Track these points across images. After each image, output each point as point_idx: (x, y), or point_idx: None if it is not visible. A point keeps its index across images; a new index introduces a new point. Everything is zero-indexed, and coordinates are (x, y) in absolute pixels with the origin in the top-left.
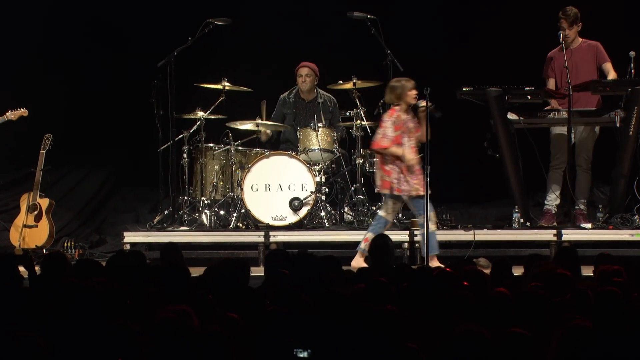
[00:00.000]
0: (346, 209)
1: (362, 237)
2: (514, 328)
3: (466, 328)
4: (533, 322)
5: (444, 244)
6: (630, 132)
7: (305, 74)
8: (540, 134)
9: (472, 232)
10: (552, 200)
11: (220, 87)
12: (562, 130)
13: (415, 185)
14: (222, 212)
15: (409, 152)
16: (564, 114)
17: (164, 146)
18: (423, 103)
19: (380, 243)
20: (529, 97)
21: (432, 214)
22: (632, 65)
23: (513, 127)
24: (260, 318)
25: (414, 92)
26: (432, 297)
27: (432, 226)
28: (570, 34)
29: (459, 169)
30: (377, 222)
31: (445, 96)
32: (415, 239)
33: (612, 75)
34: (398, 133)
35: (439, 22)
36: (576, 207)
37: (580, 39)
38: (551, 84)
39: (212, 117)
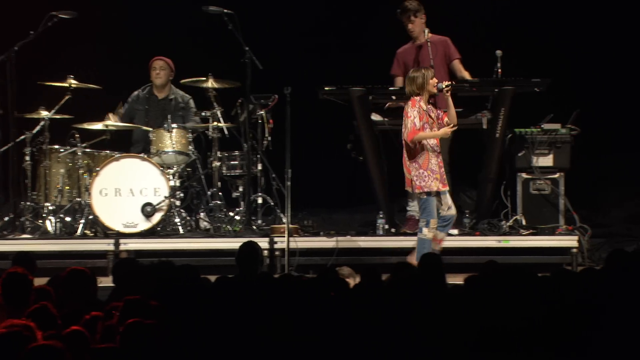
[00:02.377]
0: (202, 215)
1: (225, 244)
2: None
3: None
4: None
5: (304, 252)
6: (497, 134)
7: (160, 67)
8: None
9: (335, 238)
10: (415, 206)
11: (66, 85)
12: None
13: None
14: (68, 219)
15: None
16: None
17: (3, 148)
18: (446, 82)
19: (248, 250)
20: (393, 97)
21: (433, 221)
22: (498, 64)
23: (377, 129)
24: (111, 331)
25: (435, 80)
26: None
27: (429, 234)
28: (414, 27)
29: (321, 172)
30: (443, 220)
31: (307, 96)
32: (275, 246)
33: (465, 74)
34: (422, 124)
35: (301, 19)
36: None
37: (430, 34)
38: (399, 82)
39: (58, 117)
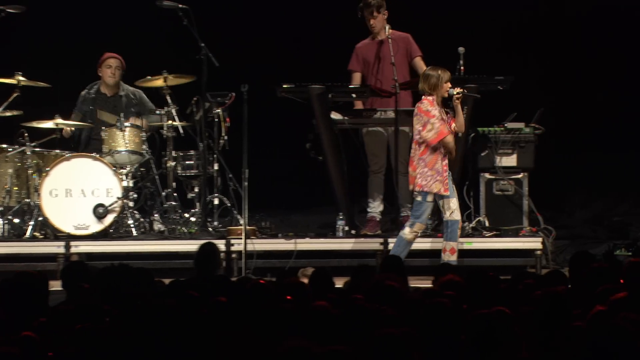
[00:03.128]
0: (156, 217)
1: (180, 247)
2: (335, 344)
3: (292, 344)
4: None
5: (262, 254)
6: (460, 134)
7: (115, 66)
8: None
9: (293, 241)
10: (376, 207)
11: (14, 81)
12: (378, 131)
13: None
14: (16, 221)
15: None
16: (391, 114)
17: None
18: (458, 89)
19: (206, 251)
20: (353, 95)
21: (419, 225)
22: (461, 62)
23: (337, 128)
24: (63, 337)
25: (448, 85)
26: (250, 311)
27: (410, 235)
28: (376, 23)
29: (279, 172)
30: (447, 227)
31: (264, 94)
32: (232, 248)
33: None
34: None
35: (258, 14)
36: (402, 214)
37: (390, 30)
38: (356, 78)
39: (6, 114)
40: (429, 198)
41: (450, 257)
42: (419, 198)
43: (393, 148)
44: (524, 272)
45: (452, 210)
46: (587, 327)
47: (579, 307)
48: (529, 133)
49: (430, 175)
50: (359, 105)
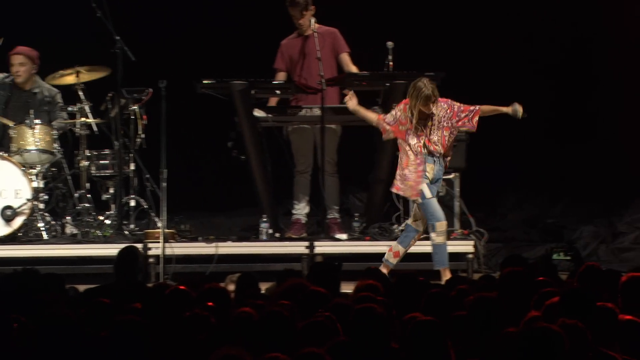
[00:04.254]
0: (69, 220)
1: (94, 251)
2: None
3: (224, 353)
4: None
5: (181, 259)
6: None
7: (19, 63)
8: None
9: (214, 244)
10: (301, 208)
11: None
12: (303, 130)
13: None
14: None
15: None
16: (317, 111)
17: None
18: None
19: (126, 256)
20: (277, 91)
21: (438, 224)
22: (390, 57)
23: (260, 126)
24: None
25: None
26: (167, 318)
27: (438, 238)
28: (304, 21)
29: (199, 172)
30: (405, 231)
31: (183, 90)
32: (150, 252)
33: (351, 68)
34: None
35: (178, 7)
36: (329, 216)
37: (316, 25)
38: (280, 77)
39: None
40: (427, 195)
41: (390, 258)
42: (419, 201)
43: (319, 147)
44: (456, 276)
45: (421, 218)
46: (520, 333)
47: (511, 312)
48: (461, 131)
49: (399, 177)
50: (272, 102)
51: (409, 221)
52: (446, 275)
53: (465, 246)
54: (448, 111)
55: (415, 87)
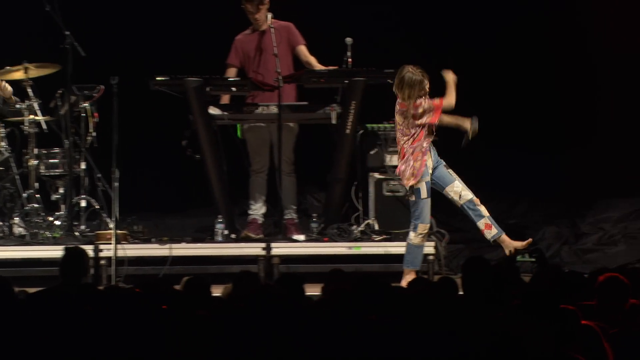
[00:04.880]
0: (17, 220)
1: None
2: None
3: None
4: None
5: (134, 261)
6: (348, 130)
7: None
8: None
9: (168, 246)
10: (258, 209)
11: None
12: (259, 128)
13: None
14: None
15: None
16: (274, 109)
17: None
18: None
19: (72, 256)
20: (233, 88)
21: (422, 226)
22: (348, 53)
23: (216, 124)
24: None
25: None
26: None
27: (416, 239)
28: (261, 16)
29: (153, 172)
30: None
31: (136, 87)
32: (101, 254)
33: (312, 60)
34: None
35: (130, 1)
36: (286, 217)
37: (271, 20)
38: (231, 73)
39: None
40: (422, 195)
41: (489, 234)
42: (412, 198)
43: (276, 146)
44: (418, 278)
45: (460, 191)
46: (482, 335)
47: (473, 314)
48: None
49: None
50: (224, 99)
51: (460, 198)
52: (410, 277)
53: (425, 247)
54: None
55: (405, 79)
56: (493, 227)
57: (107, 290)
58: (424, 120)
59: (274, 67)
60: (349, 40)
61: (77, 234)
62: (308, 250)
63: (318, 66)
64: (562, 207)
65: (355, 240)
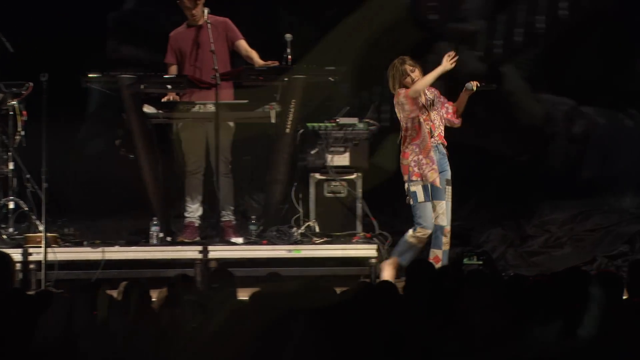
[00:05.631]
0: None
1: None
2: None
3: None
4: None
5: (65, 265)
6: (287, 130)
7: None
8: None
9: (100, 249)
10: (194, 211)
11: None
12: (194, 127)
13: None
14: None
15: None
16: (211, 107)
17: None
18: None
19: None
20: (169, 86)
21: (424, 231)
22: (288, 50)
23: (151, 123)
24: None
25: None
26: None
27: (412, 239)
28: (197, 12)
29: (84, 172)
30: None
31: (67, 84)
32: (30, 258)
33: (253, 54)
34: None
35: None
36: (224, 219)
37: (207, 15)
38: (172, 71)
39: None
40: (419, 198)
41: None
42: (410, 202)
43: (213, 145)
44: (360, 282)
45: (437, 214)
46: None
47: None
48: (363, 129)
49: (425, 163)
50: (172, 96)
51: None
52: (390, 269)
53: (368, 250)
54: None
55: (388, 70)
56: (440, 263)
57: (36, 295)
58: (407, 111)
59: (211, 64)
60: (288, 36)
61: (5, 237)
62: (246, 254)
63: (259, 61)
64: (507, 209)
65: (296, 242)
